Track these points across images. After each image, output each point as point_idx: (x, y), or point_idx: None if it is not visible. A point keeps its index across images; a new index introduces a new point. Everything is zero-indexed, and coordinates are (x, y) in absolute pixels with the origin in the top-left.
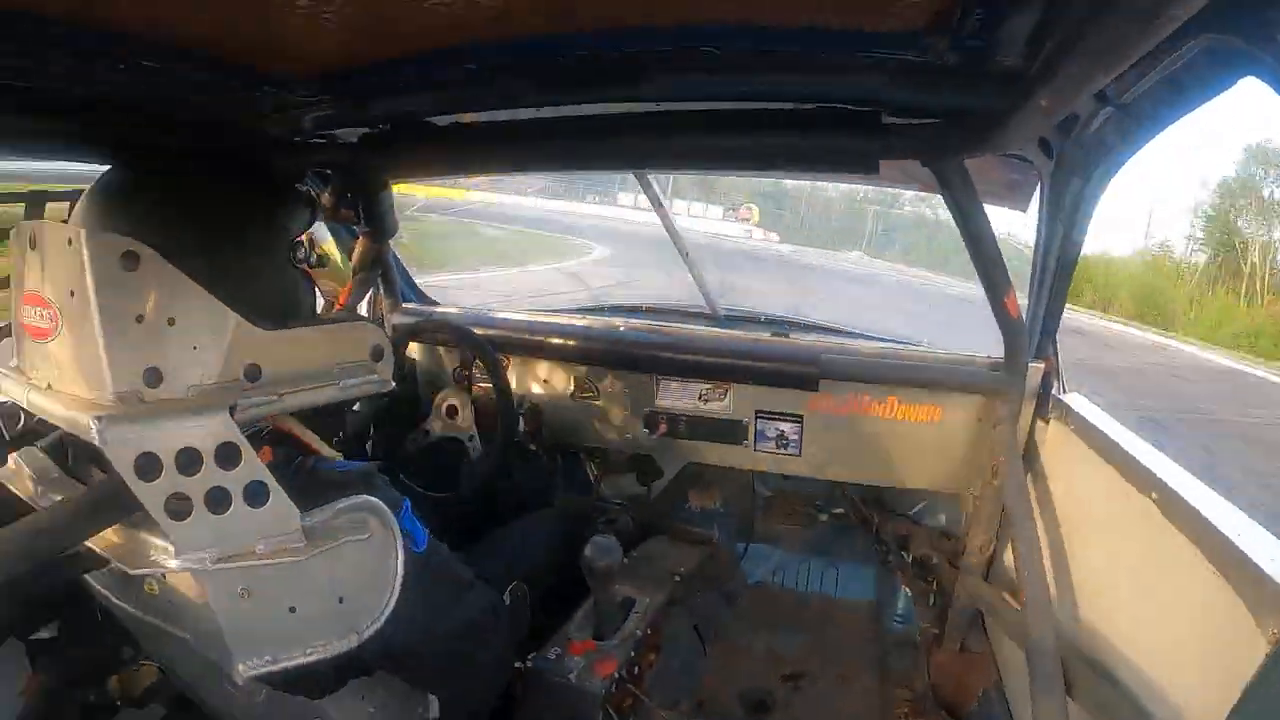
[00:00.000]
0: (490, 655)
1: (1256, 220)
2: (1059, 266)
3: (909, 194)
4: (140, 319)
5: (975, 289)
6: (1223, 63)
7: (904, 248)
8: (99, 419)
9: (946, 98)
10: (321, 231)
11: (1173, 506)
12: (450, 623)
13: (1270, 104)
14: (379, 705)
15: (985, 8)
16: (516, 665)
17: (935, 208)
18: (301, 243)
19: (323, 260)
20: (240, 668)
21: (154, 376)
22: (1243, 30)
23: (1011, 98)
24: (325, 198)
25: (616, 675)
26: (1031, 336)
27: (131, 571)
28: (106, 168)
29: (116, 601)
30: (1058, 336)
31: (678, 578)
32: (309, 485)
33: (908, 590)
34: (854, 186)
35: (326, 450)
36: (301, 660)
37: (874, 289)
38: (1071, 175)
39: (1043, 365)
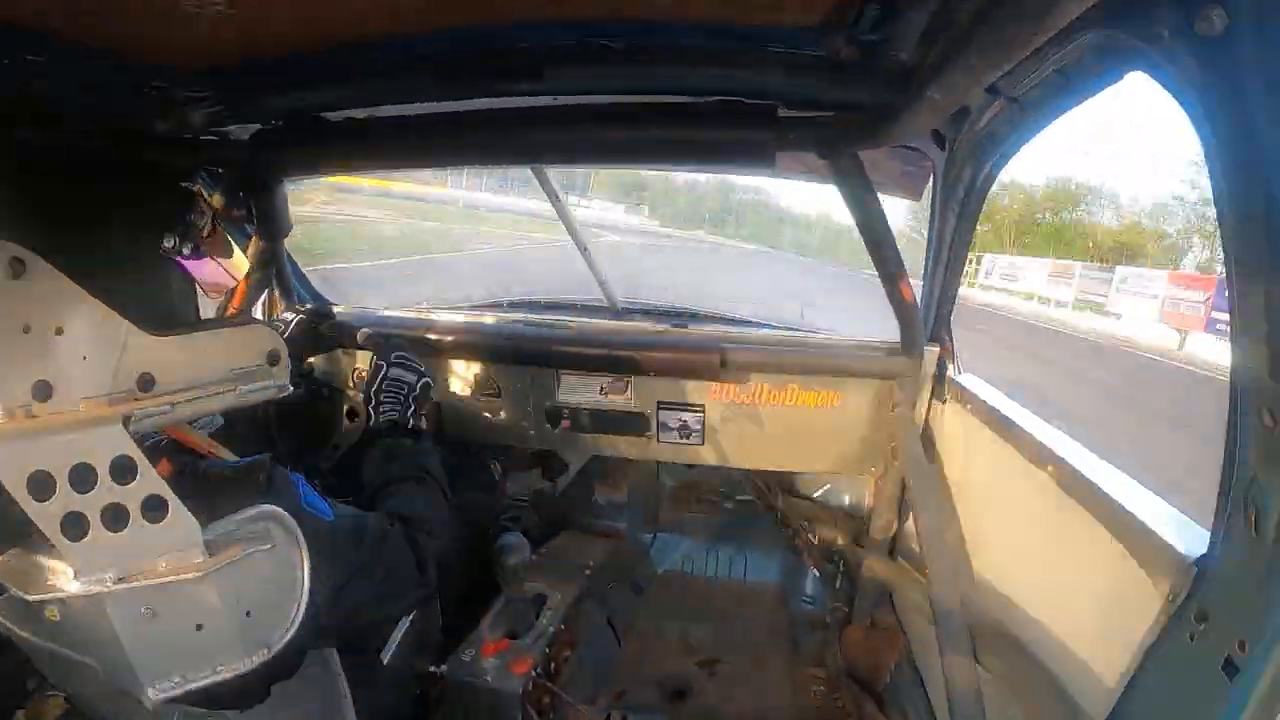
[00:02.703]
0: (410, 569)
1: None
2: (951, 254)
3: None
4: (27, 329)
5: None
6: (1110, 57)
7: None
8: None
9: (842, 92)
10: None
11: (1068, 478)
12: (376, 572)
13: (1155, 98)
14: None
15: (880, 4)
16: (431, 669)
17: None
18: (174, 240)
19: (199, 250)
20: (150, 691)
21: (43, 390)
22: (1129, 26)
23: (905, 91)
24: (217, 197)
25: (533, 673)
26: (926, 321)
27: (30, 598)
28: None
29: (17, 631)
30: (951, 320)
31: (588, 571)
32: (202, 488)
33: (815, 571)
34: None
35: (224, 454)
36: (213, 679)
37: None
38: (964, 166)
39: (938, 349)
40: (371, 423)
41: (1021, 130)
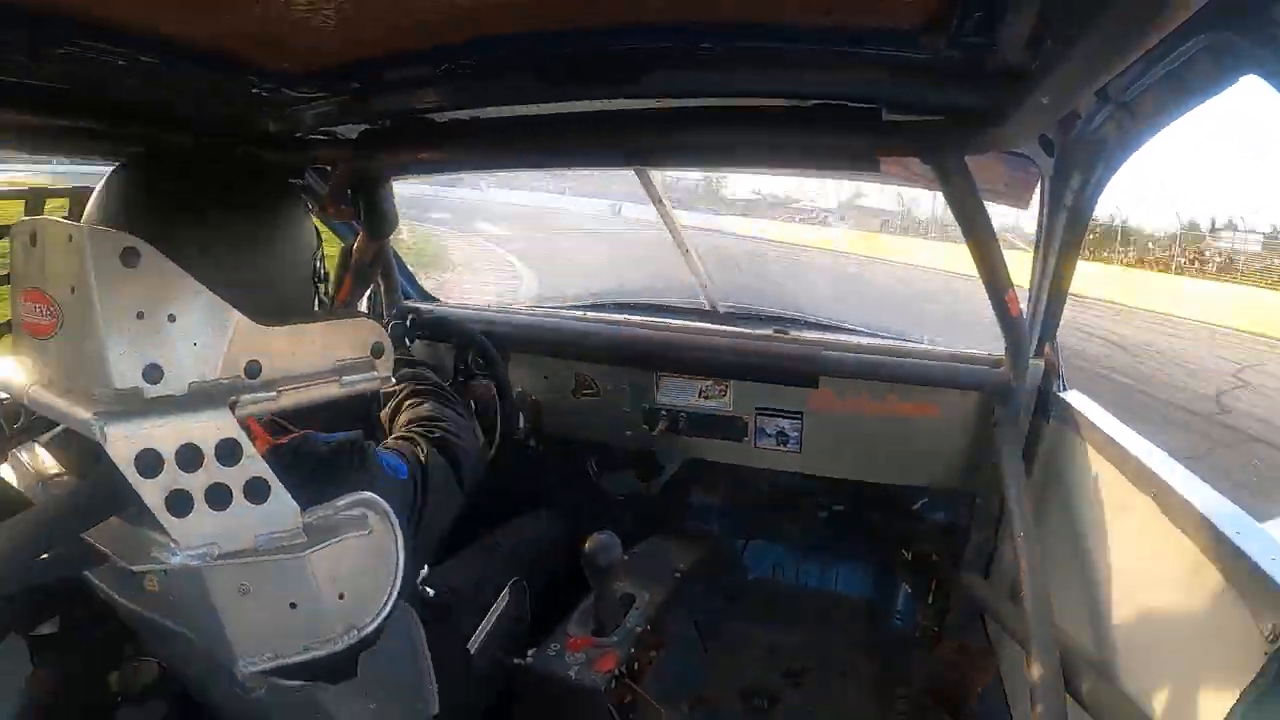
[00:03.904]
0: (452, 492)
1: None
2: (1059, 264)
3: None
4: (141, 315)
5: None
6: (1224, 60)
7: None
8: (100, 415)
9: (947, 95)
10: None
11: (1172, 505)
12: (450, 512)
13: (1270, 102)
14: (380, 701)
15: (986, 5)
16: (515, 661)
17: None
18: (286, 236)
19: (314, 276)
20: (241, 664)
21: (155, 373)
22: (1244, 28)
23: (1012, 95)
24: (326, 194)
25: (616, 671)
26: (1032, 334)
27: (132, 568)
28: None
29: (118, 598)
30: (1058, 335)
31: (678, 574)
32: (296, 462)
33: (907, 588)
34: None
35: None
36: (302, 657)
37: None
38: (1072, 173)
39: (1043, 363)
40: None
41: (1132, 136)
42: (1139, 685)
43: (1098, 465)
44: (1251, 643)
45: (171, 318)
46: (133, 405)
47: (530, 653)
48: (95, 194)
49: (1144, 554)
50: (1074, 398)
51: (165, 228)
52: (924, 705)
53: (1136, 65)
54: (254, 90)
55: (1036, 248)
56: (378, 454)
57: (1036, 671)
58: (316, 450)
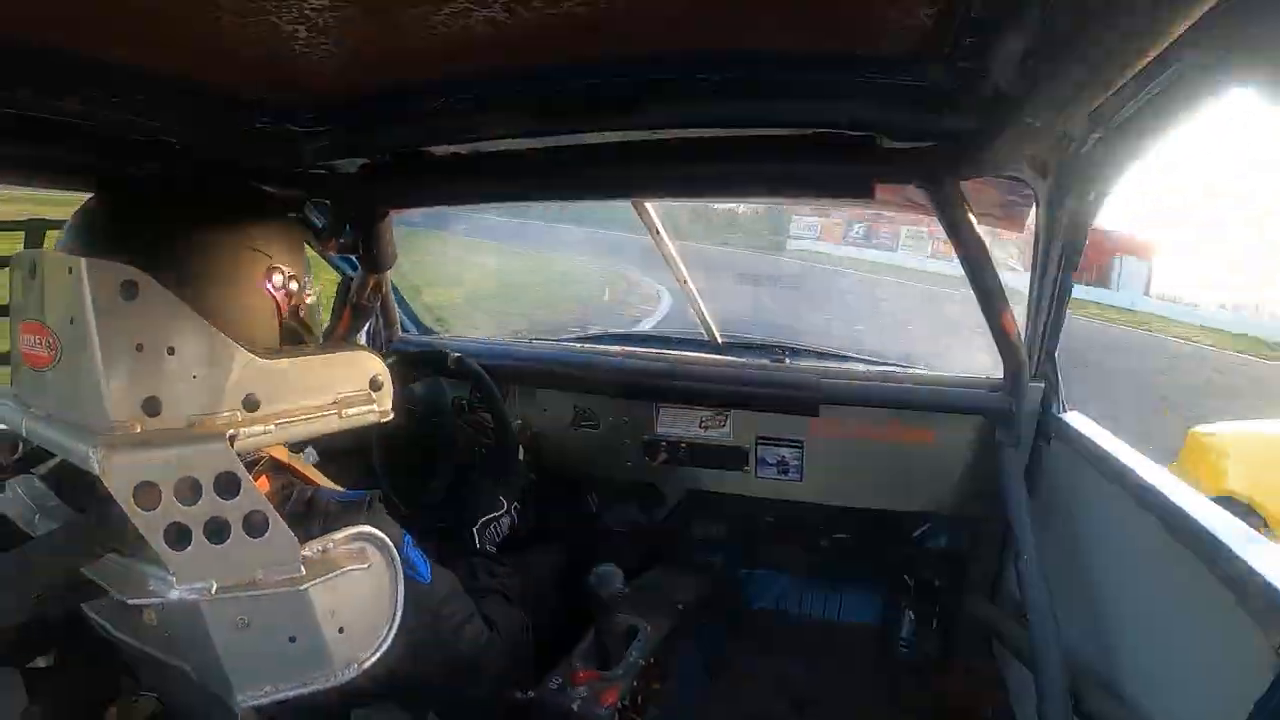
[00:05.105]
0: (482, 692)
1: None
2: (1056, 287)
3: None
4: (140, 348)
5: None
6: (1211, 78)
7: None
8: (98, 447)
9: (941, 120)
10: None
11: (1177, 524)
12: (447, 658)
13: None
14: None
15: (978, 31)
16: (518, 695)
17: None
18: (279, 269)
19: (307, 311)
20: (240, 698)
21: (153, 405)
22: (1230, 46)
23: (1005, 119)
24: (324, 229)
25: (620, 704)
26: (1031, 357)
27: (130, 601)
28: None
29: (115, 632)
30: (1057, 356)
31: (681, 606)
32: (308, 515)
33: (912, 614)
34: None
35: (323, 480)
36: (301, 690)
37: None
38: (1065, 195)
39: (1042, 385)
40: (476, 544)
41: (1124, 156)
42: (1148, 704)
43: (1100, 485)
44: (1261, 657)
45: (170, 350)
46: (131, 437)
47: (533, 687)
48: (70, 226)
49: (1150, 573)
50: (1074, 418)
51: (163, 259)
52: None
53: (1126, 86)
54: (252, 125)
55: (1033, 270)
56: (405, 537)
57: (1044, 693)
58: (326, 506)
